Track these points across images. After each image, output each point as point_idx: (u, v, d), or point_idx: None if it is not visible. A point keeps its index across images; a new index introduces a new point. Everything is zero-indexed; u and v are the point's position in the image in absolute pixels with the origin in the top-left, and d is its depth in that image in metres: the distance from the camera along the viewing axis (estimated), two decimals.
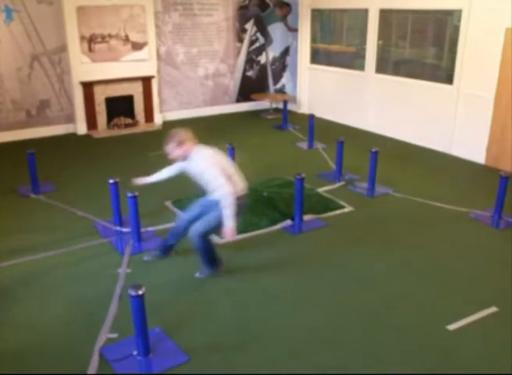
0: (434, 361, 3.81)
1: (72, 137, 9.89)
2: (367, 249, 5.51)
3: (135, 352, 3.81)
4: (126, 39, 10.08)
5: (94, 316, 4.27)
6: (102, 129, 10.24)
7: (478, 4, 7.87)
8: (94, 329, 4.07)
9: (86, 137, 9.94)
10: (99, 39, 9.84)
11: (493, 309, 4.41)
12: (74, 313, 4.37)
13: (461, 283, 4.85)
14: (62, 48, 9.69)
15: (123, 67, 10.21)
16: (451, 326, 4.17)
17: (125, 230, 5.80)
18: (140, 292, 3.61)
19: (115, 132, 10.13)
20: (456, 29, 8.32)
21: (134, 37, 10.15)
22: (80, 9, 9.49)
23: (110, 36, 9.92)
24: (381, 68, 9.90)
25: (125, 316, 4.08)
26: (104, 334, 4.00)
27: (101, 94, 10.09)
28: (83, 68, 9.83)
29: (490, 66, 7.81)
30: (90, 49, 9.80)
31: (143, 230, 5.74)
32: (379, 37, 9.81)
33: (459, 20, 8.22)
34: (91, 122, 10.12)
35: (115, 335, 4.00)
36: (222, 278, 4.91)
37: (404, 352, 3.90)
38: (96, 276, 4.94)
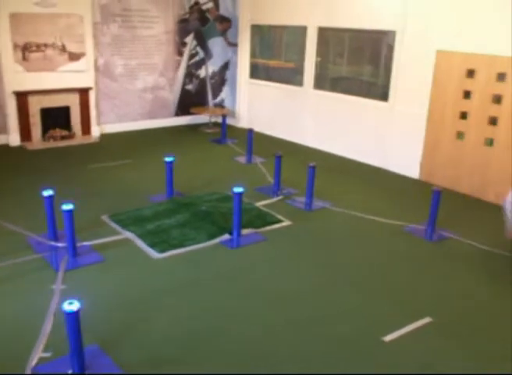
0: (370, 372, 3.87)
1: (4, 149, 9.55)
2: (305, 262, 5.57)
3: (70, 371, 3.69)
4: (63, 49, 9.86)
5: (26, 334, 4.11)
6: (37, 141, 9.95)
7: (411, 27, 8.18)
8: (26, 348, 3.92)
9: (19, 148, 9.62)
10: (34, 48, 9.58)
11: (428, 320, 4.53)
12: (5, 332, 4.19)
13: (397, 295, 4.97)
14: None
15: (60, 78, 9.97)
16: (387, 338, 4.26)
17: (60, 244, 5.63)
18: (75, 308, 3.52)
19: (51, 144, 9.86)
20: (391, 49, 8.61)
21: (71, 47, 9.95)
22: (14, 16, 9.23)
23: (46, 45, 9.68)
24: (319, 84, 10.09)
25: (60, 334, 3.94)
26: (37, 353, 3.85)
27: (35, 105, 9.82)
28: (17, 77, 9.53)
29: (423, 85, 8.11)
30: (24, 58, 9.53)
31: (78, 244, 5.59)
32: (318, 54, 10.00)
33: (393, 41, 8.52)
34: (25, 133, 9.81)
35: (48, 354, 3.86)
36: (159, 293, 4.84)
37: (340, 364, 3.94)
38: (29, 293, 4.76)
